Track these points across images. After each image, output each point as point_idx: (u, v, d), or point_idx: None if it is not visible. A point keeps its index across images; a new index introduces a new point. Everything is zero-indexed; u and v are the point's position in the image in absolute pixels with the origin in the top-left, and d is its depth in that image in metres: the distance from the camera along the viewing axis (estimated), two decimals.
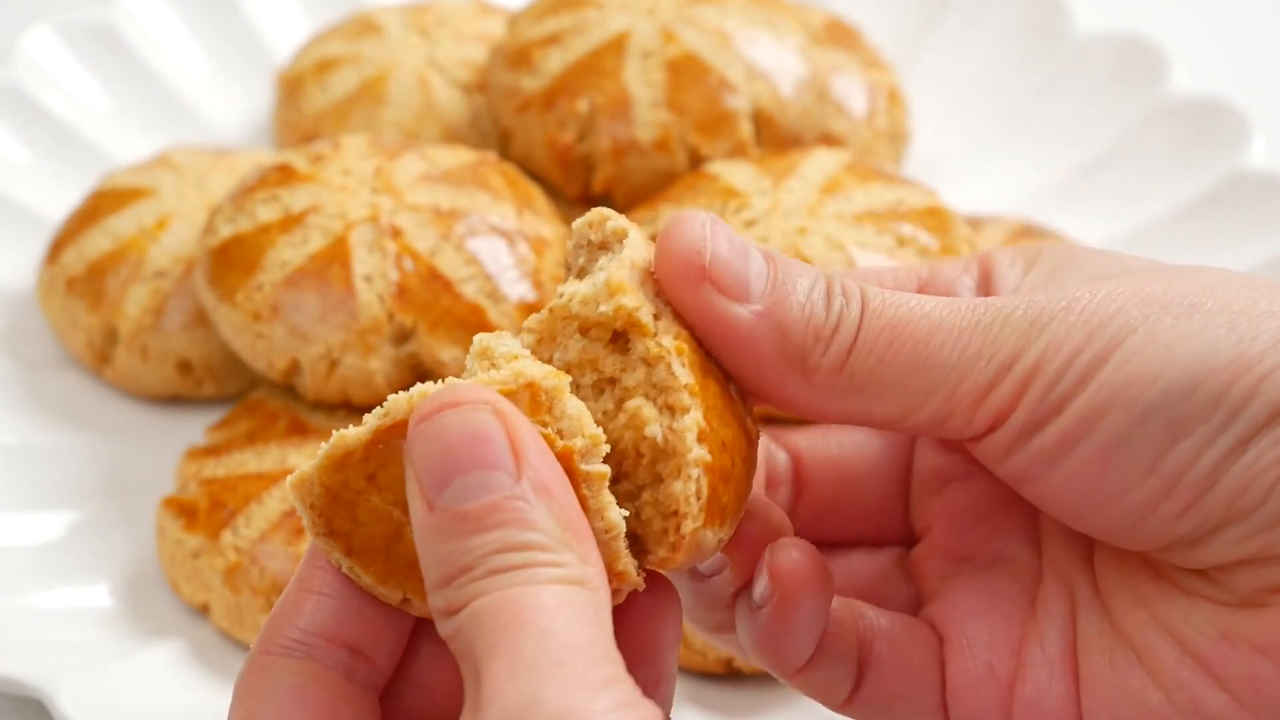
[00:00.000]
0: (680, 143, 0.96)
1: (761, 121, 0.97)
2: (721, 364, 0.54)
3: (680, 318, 0.53)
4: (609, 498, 0.50)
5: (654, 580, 0.53)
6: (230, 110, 1.14)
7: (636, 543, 0.52)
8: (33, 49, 1.12)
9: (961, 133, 1.10)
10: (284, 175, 0.92)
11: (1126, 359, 0.51)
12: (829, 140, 0.98)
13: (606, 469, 0.50)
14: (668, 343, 0.52)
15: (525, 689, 0.44)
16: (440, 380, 0.50)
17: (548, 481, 0.48)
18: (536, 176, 0.99)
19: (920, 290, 0.58)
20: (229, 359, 0.94)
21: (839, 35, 1.03)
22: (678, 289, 0.53)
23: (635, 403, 0.51)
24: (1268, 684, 0.52)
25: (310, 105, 1.06)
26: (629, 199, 0.96)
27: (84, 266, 0.96)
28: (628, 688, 0.45)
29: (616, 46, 0.98)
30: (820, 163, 0.91)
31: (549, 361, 0.53)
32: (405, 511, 0.50)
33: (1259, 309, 0.52)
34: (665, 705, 0.54)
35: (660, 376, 0.51)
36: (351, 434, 0.50)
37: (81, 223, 0.98)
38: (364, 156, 0.93)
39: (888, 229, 0.86)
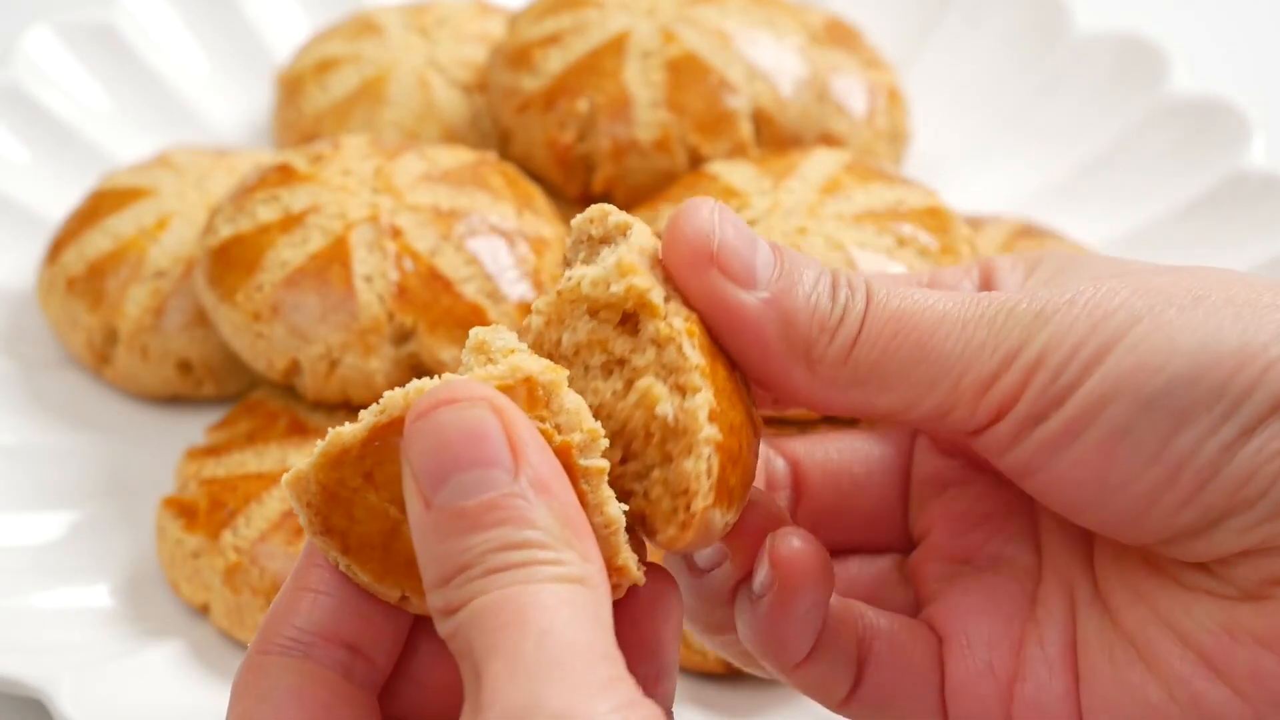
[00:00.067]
0: (680, 143, 0.96)
1: (761, 121, 0.97)
2: (727, 352, 0.54)
3: (688, 304, 0.53)
4: (608, 492, 0.50)
5: (654, 574, 0.53)
6: (230, 110, 1.14)
7: (644, 523, 0.52)
8: (33, 49, 1.12)
9: (961, 133, 1.10)
10: (284, 175, 0.92)
11: (1130, 349, 0.52)
12: (829, 140, 0.98)
13: (605, 463, 0.49)
14: (678, 324, 0.52)
15: (525, 690, 0.44)
16: (436, 376, 0.49)
17: (546, 478, 0.48)
18: (536, 176, 0.99)
19: None
20: (229, 359, 0.94)
21: (839, 35, 1.03)
22: (685, 274, 0.53)
23: (646, 381, 0.51)
24: (1271, 677, 0.52)
25: (310, 105, 1.06)
26: (629, 199, 0.96)
27: (84, 266, 0.96)
28: (629, 688, 0.45)
29: (616, 46, 0.98)
30: (820, 163, 0.91)
31: (557, 343, 0.53)
32: (403, 509, 0.49)
33: (1263, 302, 0.52)
34: (667, 701, 0.54)
35: (670, 357, 0.51)
36: (347, 431, 0.50)
37: (81, 223, 0.98)
38: (364, 156, 0.93)
39: (888, 229, 0.86)
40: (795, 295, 0.53)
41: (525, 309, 0.88)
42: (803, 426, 0.82)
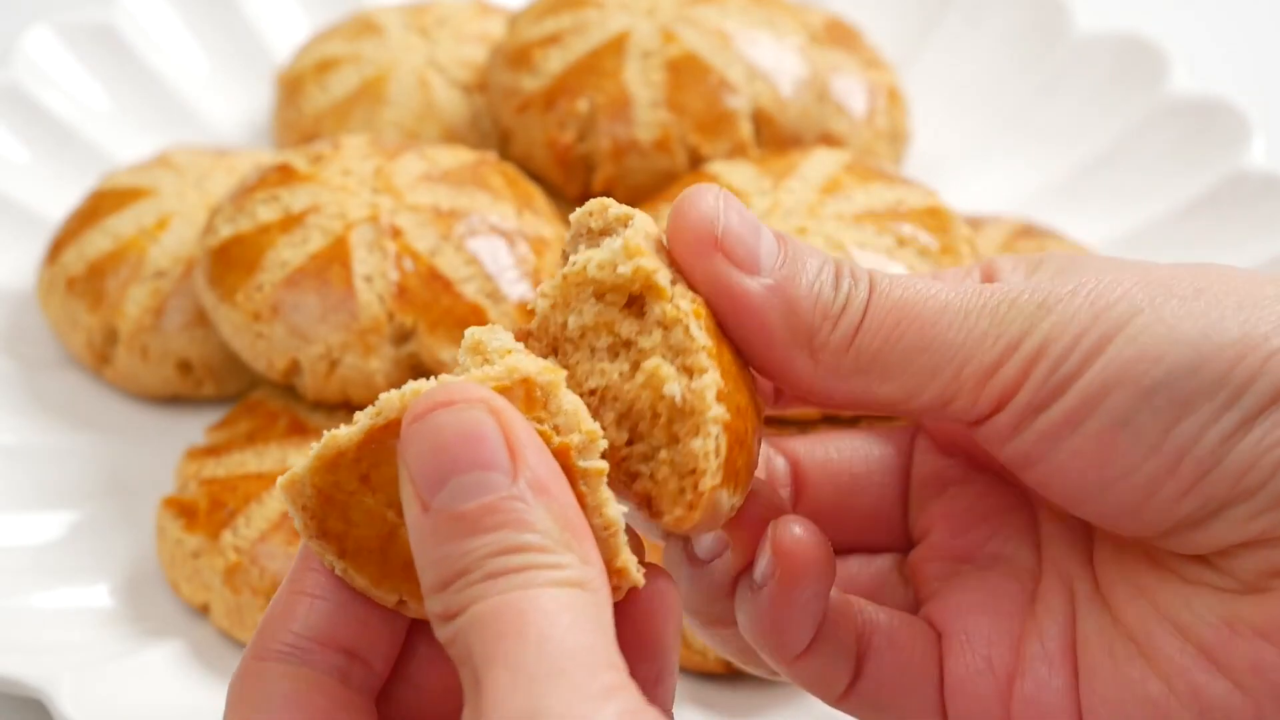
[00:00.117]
0: (680, 143, 0.96)
1: (761, 121, 0.97)
2: (731, 339, 0.54)
3: (693, 289, 0.53)
4: (607, 494, 0.49)
5: (653, 574, 0.52)
6: (230, 110, 1.14)
7: (650, 505, 0.51)
8: (33, 49, 1.12)
9: (961, 133, 1.10)
10: (284, 175, 0.92)
11: (1132, 338, 0.52)
12: (829, 140, 0.98)
13: (604, 465, 0.49)
14: (685, 305, 0.51)
15: (527, 700, 0.43)
16: (433, 377, 0.49)
17: (545, 480, 0.47)
18: (536, 176, 0.99)
19: None
20: (229, 359, 0.94)
21: (839, 35, 1.03)
22: (690, 258, 0.53)
23: (653, 362, 0.51)
24: (1271, 669, 0.52)
25: (310, 105, 1.06)
26: (629, 199, 0.96)
27: (84, 266, 0.96)
28: (631, 695, 0.44)
29: (616, 46, 0.98)
30: (820, 163, 0.91)
31: (563, 326, 0.53)
32: (400, 512, 0.49)
33: (1265, 294, 0.52)
34: (667, 701, 0.53)
35: (678, 339, 0.51)
36: (343, 434, 0.49)
37: (81, 223, 0.98)
38: (364, 156, 0.93)
39: (888, 229, 0.86)
40: (799, 283, 0.53)
41: (525, 309, 0.87)
42: (803, 426, 0.82)
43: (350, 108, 1.05)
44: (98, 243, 0.96)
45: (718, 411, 0.50)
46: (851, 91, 1.00)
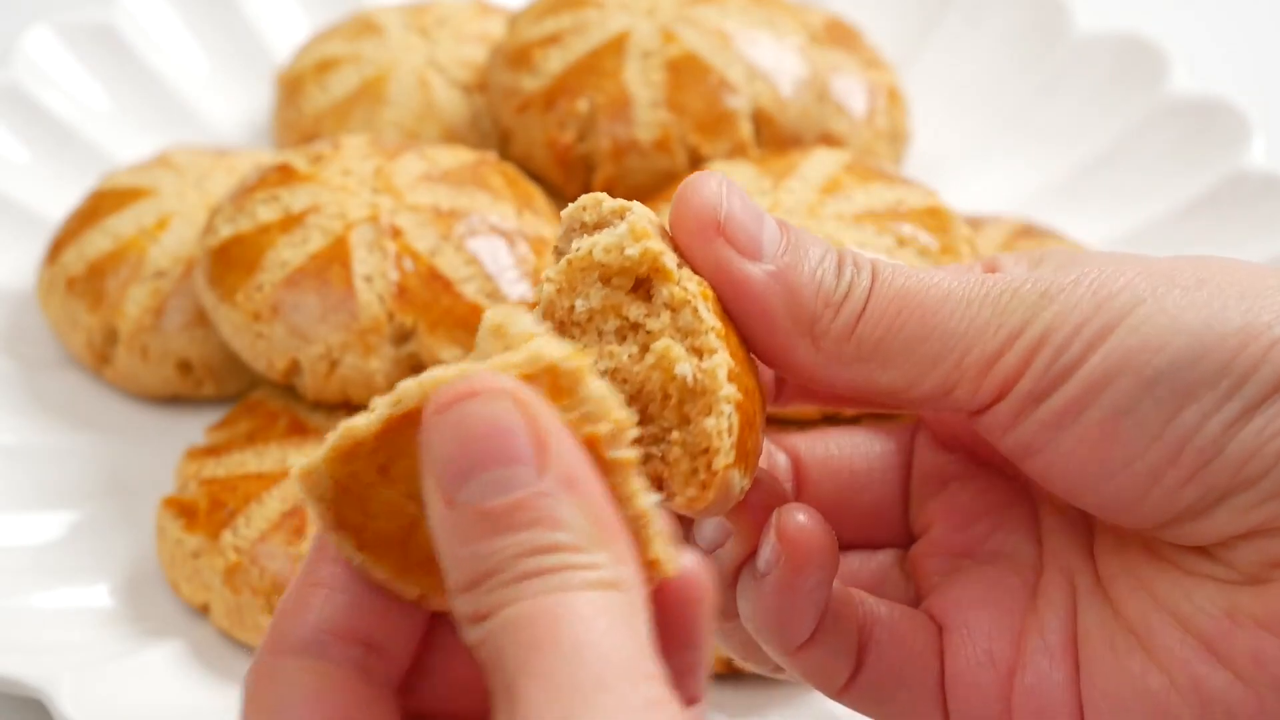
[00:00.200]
0: (680, 143, 0.96)
1: (761, 121, 0.97)
2: (734, 325, 0.54)
3: (697, 274, 0.53)
4: (639, 484, 0.47)
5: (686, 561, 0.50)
6: (230, 110, 1.14)
7: (662, 487, 0.51)
8: (33, 49, 1.12)
9: (961, 133, 1.10)
10: (284, 175, 0.92)
11: (1134, 328, 0.52)
12: (829, 140, 0.98)
13: (635, 454, 0.47)
14: (692, 288, 0.51)
15: (563, 717, 0.42)
16: (449, 365, 0.47)
17: (575, 475, 0.45)
18: (536, 176, 0.99)
19: None
20: (229, 359, 0.94)
21: (839, 35, 1.03)
22: (693, 244, 0.53)
23: (663, 343, 0.51)
24: (1272, 660, 0.52)
25: (310, 105, 1.06)
26: (629, 199, 0.96)
27: (84, 266, 0.96)
28: (673, 709, 0.43)
29: (616, 46, 0.98)
30: (820, 163, 0.91)
31: (570, 310, 0.53)
32: (421, 504, 0.47)
33: (1267, 284, 0.52)
34: (700, 690, 0.52)
35: (686, 320, 0.51)
36: (360, 424, 0.47)
37: (81, 223, 0.98)
38: (364, 156, 0.93)
39: (888, 229, 0.86)
40: (801, 269, 0.53)
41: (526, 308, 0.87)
42: (803, 426, 0.82)
43: (350, 108, 1.05)
44: (98, 243, 0.96)
45: (729, 390, 0.50)
46: (851, 91, 1.00)
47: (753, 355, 0.55)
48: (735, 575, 0.57)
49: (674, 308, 0.51)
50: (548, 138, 0.98)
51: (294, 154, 0.94)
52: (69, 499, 0.90)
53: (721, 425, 0.50)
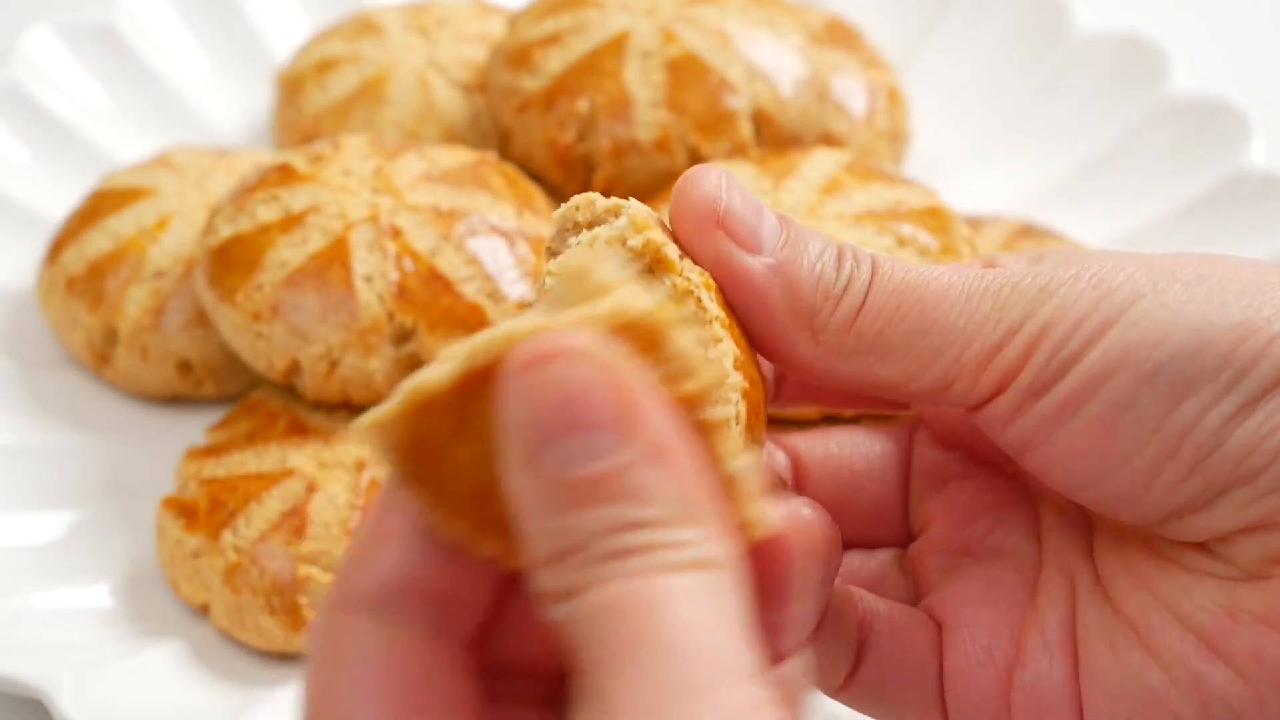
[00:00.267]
0: (680, 143, 0.96)
1: (761, 121, 0.97)
2: (735, 318, 0.54)
3: (697, 267, 0.53)
4: (734, 444, 0.44)
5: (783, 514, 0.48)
6: (230, 110, 1.14)
7: None
8: (33, 49, 1.12)
9: (961, 133, 1.10)
10: (284, 175, 0.92)
11: (1134, 322, 0.52)
12: (829, 140, 0.98)
13: (730, 413, 0.44)
14: (695, 278, 0.51)
15: None
16: (526, 316, 0.43)
17: (664, 443, 0.42)
18: (536, 176, 0.99)
19: None
20: (229, 359, 0.94)
21: (839, 35, 1.03)
22: (693, 236, 0.53)
23: None
24: (1272, 656, 0.52)
25: (310, 105, 1.06)
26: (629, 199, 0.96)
27: (84, 266, 0.96)
28: (772, 715, 0.40)
29: (616, 46, 0.98)
30: (820, 163, 0.91)
31: None
32: (500, 464, 0.43)
33: (1268, 281, 0.52)
34: (792, 647, 0.48)
35: (690, 310, 0.51)
36: (432, 378, 0.43)
37: (81, 223, 0.98)
38: (364, 156, 0.93)
39: (888, 229, 0.86)
40: (800, 263, 0.54)
41: (526, 309, 0.87)
42: (803, 425, 0.82)
43: (350, 108, 1.05)
44: (98, 243, 0.96)
45: (736, 379, 0.50)
46: (851, 91, 1.00)
47: (753, 348, 0.55)
48: None
49: (678, 298, 0.51)
50: (548, 138, 0.98)
51: (294, 154, 0.94)
52: (69, 499, 0.90)
53: (728, 413, 0.50)
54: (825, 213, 0.87)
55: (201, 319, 0.94)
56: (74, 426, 0.94)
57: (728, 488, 0.44)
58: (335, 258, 0.88)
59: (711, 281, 0.52)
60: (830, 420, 0.82)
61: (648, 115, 0.96)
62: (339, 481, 0.84)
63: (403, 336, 0.88)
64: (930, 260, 0.85)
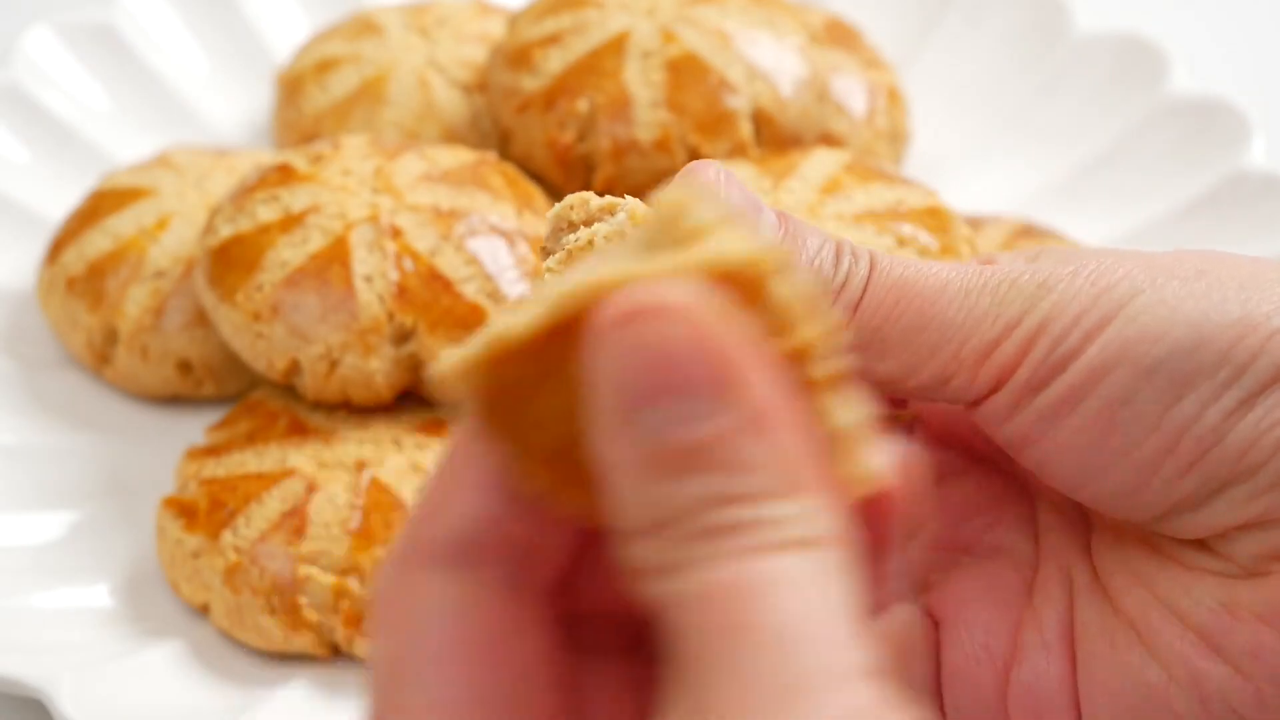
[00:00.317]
0: (680, 143, 0.96)
1: (761, 121, 0.97)
2: None
3: None
4: (844, 398, 0.40)
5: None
6: (230, 110, 1.14)
7: None
8: (33, 49, 1.12)
9: (961, 133, 1.10)
10: (284, 175, 0.92)
11: (1132, 318, 0.52)
12: (829, 140, 0.98)
13: (839, 366, 0.40)
14: None
15: None
16: (616, 261, 0.39)
17: (769, 408, 0.38)
18: (536, 176, 0.99)
19: None
20: (229, 359, 0.94)
21: (839, 35, 1.03)
22: None
23: None
24: (1271, 653, 0.52)
25: (310, 105, 1.06)
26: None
27: (84, 266, 0.96)
28: (886, 717, 0.37)
29: (616, 46, 0.98)
30: (820, 163, 0.91)
31: None
32: (587, 419, 0.40)
33: (1268, 277, 0.52)
34: (897, 593, 0.47)
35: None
36: (516, 326, 0.39)
37: (81, 223, 0.98)
38: (364, 156, 0.93)
39: (888, 229, 0.86)
40: (798, 258, 0.54)
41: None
42: None
43: (350, 108, 1.05)
44: (98, 243, 0.96)
45: None
46: (851, 91, 1.00)
47: None
48: None
49: None
50: (548, 138, 0.98)
51: (294, 154, 0.94)
52: (69, 499, 0.90)
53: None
54: (825, 213, 0.87)
55: (201, 319, 0.94)
56: (74, 426, 0.94)
57: (831, 446, 0.40)
58: (335, 258, 0.88)
59: None
60: None
61: (648, 115, 0.96)
62: (339, 481, 0.84)
63: (403, 336, 0.88)
64: (930, 260, 0.85)
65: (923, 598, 0.60)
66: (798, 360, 0.39)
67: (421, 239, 0.89)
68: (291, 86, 1.08)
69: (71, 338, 0.97)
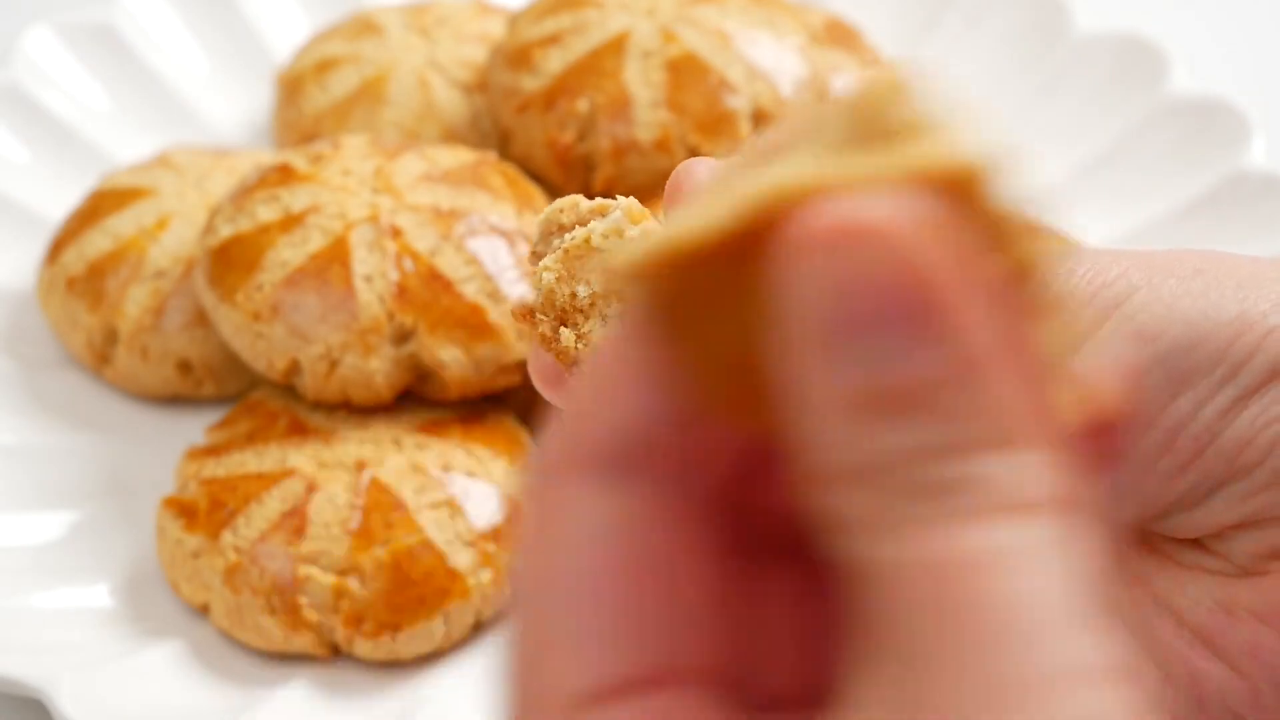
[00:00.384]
0: (680, 143, 0.96)
1: (761, 121, 0.97)
2: None
3: None
4: (1061, 321, 0.35)
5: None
6: (230, 110, 1.14)
7: None
8: (33, 49, 1.12)
9: None
10: (284, 175, 0.92)
11: (1129, 316, 0.52)
12: None
13: (1064, 287, 0.36)
14: None
15: None
16: (810, 157, 0.33)
17: (997, 347, 0.32)
18: (536, 176, 0.99)
19: None
20: (229, 359, 0.94)
21: (839, 35, 1.03)
22: None
23: None
24: (1269, 651, 0.52)
25: (310, 105, 1.06)
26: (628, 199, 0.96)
27: (84, 266, 0.96)
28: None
29: (616, 46, 0.98)
30: None
31: (571, 296, 0.52)
32: (774, 340, 0.34)
33: (1266, 275, 0.52)
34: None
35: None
36: (693, 231, 0.34)
37: (81, 223, 0.98)
38: (364, 156, 0.93)
39: None
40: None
41: (519, 309, 0.87)
42: None
43: (350, 108, 1.05)
44: (98, 243, 0.96)
45: None
46: None
47: None
48: None
49: None
50: (548, 138, 0.98)
51: (294, 154, 0.94)
52: (69, 499, 0.90)
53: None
54: None
55: (201, 319, 0.94)
56: (74, 426, 0.94)
57: (1056, 375, 0.34)
58: (335, 258, 0.88)
59: None
60: None
61: (648, 115, 0.96)
62: (339, 481, 0.84)
63: (403, 336, 0.88)
64: None
65: None
66: (1016, 282, 0.33)
67: (421, 239, 0.89)
68: (291, 86, 1.08)
69: (71, 338, 0.97)
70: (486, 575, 0.83)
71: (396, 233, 0.88)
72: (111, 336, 0.95)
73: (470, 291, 0.88)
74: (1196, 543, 0.54)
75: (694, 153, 0.96)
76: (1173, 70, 1.06)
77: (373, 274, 0.88)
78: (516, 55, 1.01)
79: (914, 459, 0.32)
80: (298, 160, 0.93)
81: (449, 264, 0.88)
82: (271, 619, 0.82)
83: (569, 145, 0.97)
